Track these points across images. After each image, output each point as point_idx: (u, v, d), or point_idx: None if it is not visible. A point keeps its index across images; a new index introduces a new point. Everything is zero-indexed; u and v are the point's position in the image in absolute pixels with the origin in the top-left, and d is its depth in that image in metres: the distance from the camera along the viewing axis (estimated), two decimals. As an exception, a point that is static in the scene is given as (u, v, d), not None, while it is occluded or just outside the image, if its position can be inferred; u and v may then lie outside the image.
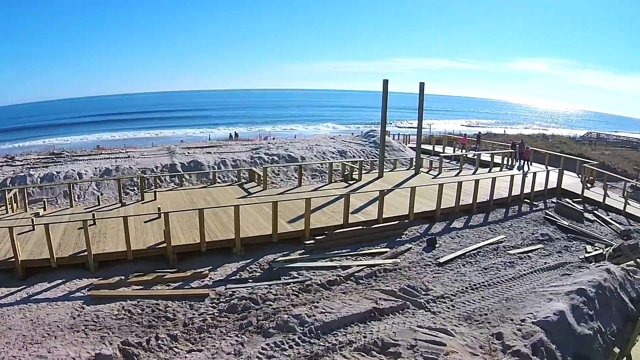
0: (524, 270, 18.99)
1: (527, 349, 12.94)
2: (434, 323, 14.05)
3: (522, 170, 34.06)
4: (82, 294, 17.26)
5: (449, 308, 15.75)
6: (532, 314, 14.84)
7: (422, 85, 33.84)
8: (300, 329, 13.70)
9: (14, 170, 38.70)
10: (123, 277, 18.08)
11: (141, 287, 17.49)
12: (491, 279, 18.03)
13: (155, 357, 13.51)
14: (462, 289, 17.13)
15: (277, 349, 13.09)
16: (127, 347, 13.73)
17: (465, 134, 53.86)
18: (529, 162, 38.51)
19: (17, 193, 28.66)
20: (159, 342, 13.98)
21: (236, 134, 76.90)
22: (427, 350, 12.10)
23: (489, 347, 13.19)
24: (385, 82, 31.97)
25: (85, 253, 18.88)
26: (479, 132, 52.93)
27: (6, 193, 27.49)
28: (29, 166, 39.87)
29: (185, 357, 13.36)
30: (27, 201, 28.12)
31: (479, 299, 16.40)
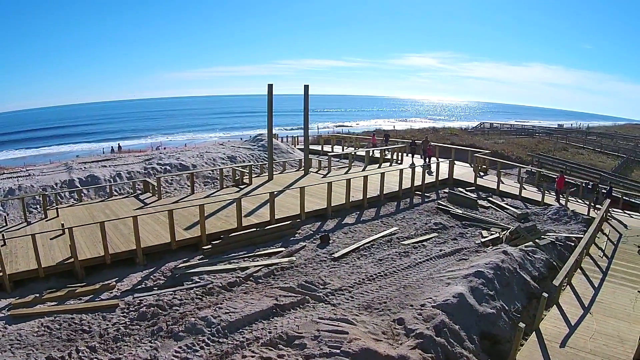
0: (420, 259, 19.75)
1: (430, 331, 13.55)
2: (335, 314, 14.58)
3: (426, 167, 34.93)
4: (3, 314, 17.12)
5: (347, 299, 16.41)
6: (431, 298, 15.55)
7: (306, 87, 34.40)
8: (208, 330, 14.11)
9: None
10: (38, 295, 18.03)
11: (55, 302, 17.57)
12: (387, 269, 18.74)
13: None
14: (359, 281, 17.81)
15: (189, 350, 13.43)
16: None
17: (374, 133, 54.71)
18: (429, 158, 39.09)
19: None
20: (80, 354, 14.15)
21: (119, 147, 75.89)
22: (330, 339, 12.56)
23: (391, 332, 13.80)
24: (270, 87, 32.63)
25: (0, 274, 18.60)
26: (387, 132, 54.09)
27: None
28: None
29: None
30: None
31: (377, 289, 17.12)
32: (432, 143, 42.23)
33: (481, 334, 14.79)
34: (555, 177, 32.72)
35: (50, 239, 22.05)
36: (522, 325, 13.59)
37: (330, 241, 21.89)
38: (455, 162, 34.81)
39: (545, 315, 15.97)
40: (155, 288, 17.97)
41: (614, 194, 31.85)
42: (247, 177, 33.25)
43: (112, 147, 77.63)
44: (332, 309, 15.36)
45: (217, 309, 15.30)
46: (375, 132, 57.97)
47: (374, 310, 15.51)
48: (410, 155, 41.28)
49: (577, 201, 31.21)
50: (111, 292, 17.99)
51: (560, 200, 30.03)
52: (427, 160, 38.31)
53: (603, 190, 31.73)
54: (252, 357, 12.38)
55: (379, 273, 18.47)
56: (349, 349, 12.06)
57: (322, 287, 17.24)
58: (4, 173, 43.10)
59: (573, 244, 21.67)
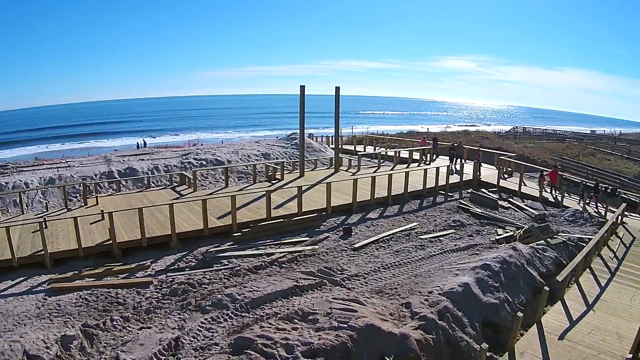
0: (434, 252, 20.65)
1: (434, 315, 14.58)
2: (348, 296, 15.64)
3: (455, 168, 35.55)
4: (43, 288, 18.74)
5: (362, 284, 17.51)
6: (438, 287, 16.52)
7: (337, 89, 35.38)
8: (233, 305, 15.48)
9: (-35, 183, 39.18)
10: (77, 272, 19.59)
11: (94, 279, 19.04)
12: (402, 260, 19.70)
13: (112, 335, 15.13)
14: (375, 269, 18.81)
15: (213, 322, 14.85)
16: (87, 329, 15.32)
17: (424, 137, 54.76)
18: (461, 161, 39.23)
19: None
20: (114, 322, 15.66)
21: (144, 143, 77.37)
22: (340, 316, 13.72)
23: (398, 314, 14.85)
24: (302, 87, 33.60)
25: (42, 252, 20.34)
26: (436, 136, 54.41)
27: None
28: (-25, 178, 40.31)
29: (137, 333, 14.94)
30: None
31: (390, 277, 18.13)
32: (465, 146, 42.71)
33: (483, 322, 15.69)
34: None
35: (90, 224, 23.62)
36: (520, 314, 14.31)
37: (353, 233, 22.89)
38: (482, 164, 35.53)
39: (549, 310, 16.72)
40: (187, 269, 19.31)
41: (633, 199, 32.47)
42: (280, 173, 34.20)
43: (137, 143, 79.37)
44: (347, 292, 16.45)
45: (242, 287, 16.61)
46: (425, 136, 58.09)
47: (385, 294, 16.57)
48: (449, 158, 41.15)
49: (572, 197, 32.06)
50: (146, 272, 19.38)
51: (552, 194, 31.43)
52: (458, 162, 38.65)
53: (603, 190, 32.40)
54: (269, 327, 13.54)
55: (394, 263, 19.44)
56: (355, 324, 13.19)
57: (339, 272, 18.36)
58: (43, 164, 44.98)
59: (584, 245, 22.07)
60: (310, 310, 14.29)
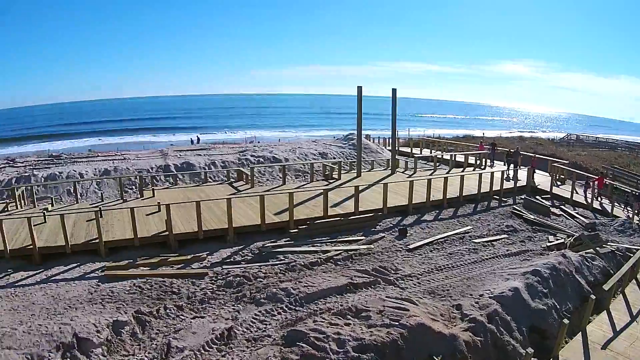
0: (486, 256, 20.78)
1: (483, 318, 14.76)
2: (401, 295, 15.95)
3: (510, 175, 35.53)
4: (97, 275, 19.51)
5: (415, 284, 17.77)
6: (489, 290, 16.68)
7: (394, 91, 35.73)
8: (287, 299, 15.90)
9: (17, 171, 40.43)
10: (131, 261, 20.22)
11: (148, 268, 19.66)
12: (455, 262, 19.89)
13: (165, 323, 15.64)
14: (428, 270, 19.01)
15: (267, 314, 15.32)
16: (140, 315, 15.86)
17: (481, 142, 54.44)
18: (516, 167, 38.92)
19: (24, 191, 30.78)
20: (167, 311, 16.20)
21: (198, 139, 78.13)
22: (392, 314, 14.03)
23: (448, 315, 15.08)
24: (360, 89, 33.88)
25: (97, 240, 21.12)
26: (494, 142, 54.00)
27: (15, 191, 29.49)
28: (31, 167, 41.56)
29: (191, 322, 15.43)
30: (35, 198, 30.37)
31: (443, 278, 18.33)
32: (521, 153, 42.03)
33: (530, 327, 15.83)
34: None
35: (146, 215, 24.41)
36: (566, 321, 14.56)
37: (408, 234, 23.13)
38: (536, 170, 35.48)
39: (594, 319, 16.75)
40: (243, 262, 19.78)
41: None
42: (337, 172, 34.50)
43: (191, 138, 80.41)
44: (400, 291, 16.72)
45: (297, 282, 17.05)
46: (483, 141, 57.85)
47: (437, 295, 16.85)
48: (505, 164, 40.51)
49: (619, 206, 31.38)
50: (201, 263, 19.94)
51: (595, 200, 31.07)
52: (512, 168, 38.25)
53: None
54: (322, 322, 13.86)
55: (447, 265, 19.58)
56: (407, 322, 13.47)
57: (393, 272, 18.63)
58: (98, 156, 46.29)
59: (632, 255, 21.96)
60: (364, 307, 14.64)
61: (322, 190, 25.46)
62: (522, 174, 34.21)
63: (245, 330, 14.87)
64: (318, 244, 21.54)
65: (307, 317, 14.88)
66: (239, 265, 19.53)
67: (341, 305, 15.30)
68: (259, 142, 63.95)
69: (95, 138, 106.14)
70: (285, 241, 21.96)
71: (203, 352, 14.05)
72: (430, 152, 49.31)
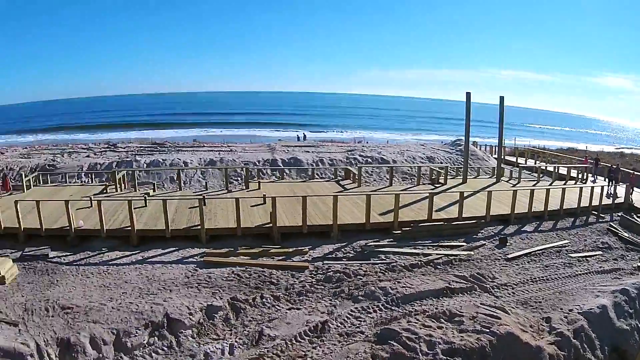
0: (580, 272, 20.78)
1: (569, 333, 15.27)
2: (495, 303, 16.48)
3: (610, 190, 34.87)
4: (195, 260, 20.66)
5: (509, 294, 18.08)
6: (579, 306, 16.97)
7: (501, 98, 35.55)
8: (384, 298, 16.60)
9: (118, 156, 42.74)
10: (232, 249, 21.17)
11: (249, 257, 20.51)
12: (550, 275, 20.03)
13: (260, 312, 16.64)
14: (524, 281, 19.22)
15: (363, 312, 16.04)
16: (235, 302, 16.92)
17: (586, 156, 53.31)
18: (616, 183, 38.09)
19: (125, 175, 32.56)
20: (264, 300, 17.17)
21: (304, 136, 78.26)
22: (484, 321, 14.67)
23: (537, 327, 15.60)
24: (468, 95, 34.16)
25: (198, 227, 22.25)
26: (598, 157, 52.62)
27: (116, 174, 31.39)
28: (133, 153, 43.78)
29: (286, 312, 16.40)
30: (136, 183, 31.93)
31: (537, 290, 18.57)
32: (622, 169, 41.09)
33: (612, 346, 16.14)
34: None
35: (251, 206, 25.37)
36: None
37: (508, 244, 23.17)
38: (634, 188, 34.75)
39: None
40: (344, 259, 20.41)
41: None
42: (443, 177, 34.73)
43: (297, 135, 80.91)
44: (494, 300, 17.16)
45: (395, 282, 17.68)
46: (587, 155, 56.57)
47: (529, 306, 17.14)
48: (606, 180, 38.70)
49: None
50: (303, 257, 20.62)
51: None
52: (615, 185, 37.41)
53: None
54: (416, 323, 14.62)
55: (542, 277, 19.74)
56: (497, 330, 14.12)
57: (490, 280, 18.94)
58: (203, 146, 48.10)
59: None
60: (457, 312, 15.26)
61: (427, 194, 25.75)
62: (621, 190, 33.56)
63: (339, 325, 15.47)
64: (420, 247, 21.88)
65: (401, 317, 15.49)
66: (340, 262, 20.14)
67: (436, 309, 15.84)
68: (367, 142, 64.50)
69: (199, 129, 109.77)
70: (388, 241, 22.39)
71: (294, 342, 14.72)
72: (535, 163, 48.74)
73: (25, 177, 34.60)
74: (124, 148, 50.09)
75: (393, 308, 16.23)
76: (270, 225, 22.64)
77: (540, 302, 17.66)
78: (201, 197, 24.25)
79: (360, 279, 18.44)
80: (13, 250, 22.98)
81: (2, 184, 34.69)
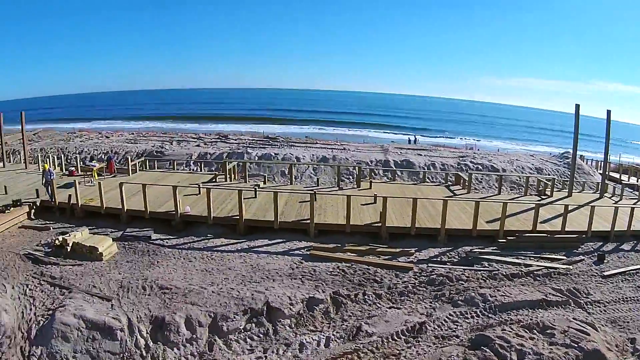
0: None
1: None
2: (586, 319, 16.87)
3: None
4: (301, 253, 21.86)
5: (601, 311, 18.27)
6: None
7: (608, 112, 34.87)
8: (482, 305, 17.36)
9: (229, 147, 44.67)
10: (339, 245, 22.24)
11: (355, 254, 21.58)
12: None
13: (360, 308, 17.63)
14: (616, 299, 19.29)
15: (461, 316, 16.90)
16: (337, 297, 17.98)
17: None
18: None
19: (236, 166, 34.14)
20: (365, 297, 18.16)
21: (415, 139, 78.98)
22: (574, 336, 15.18)
23: (622, 347, 15.96)
24: (577, 107, 33.79)
25: (308, 221, 23.49)
26: None
27: (226, 165, 32.96)
28: (245, 145, 45.46)
29: (386, 311, 17.33)
30: (247, 174, 33.50)
31: (627, 310, 18.58)
32: None
33: None
34: None
35: (361, 205, 26.30)
36: None
37: (605, 261, 23.20)
38: None
39: None
40: (449, 263, 21.17)
41: None
42: (549, 189, 34.55)
43: (409, 138, 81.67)
44: (586, 316, 17.47)
45: (495, 290, 18.33)
46: None
47: (617, 325, 17.42)
48: None
49: None
50: (408, 258, 21.50)
51: None
52: None
53: None
54: (510, 332, 15.39)
55: (633, 297, 19.71)
56: (585, 346, 14.61)
57: (584, 296, 19.21)
58: (316, 143, 49.41)
59: None
60: (550, 325, 15.81)
61: (534, 205, 25.83)
62: None
63: (436, 327, 16.32)
64: (522, 257, 22.20)
65: (496, 324, 16.22)
66: (444, 266, 20.90)
67: (530, 319, 16.45)
68: (478, 149, 65.16)
69: (311, 126, 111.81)
70: (492, 249, 22.91)
71: (391, 340, 15.65)
72: (637, 181, 47.61)
73: (131, 161, 36.91)
74: (235, 140, 52.26)
75: (490, 315, 16.87)
76: (380, 224, 23.59)
77: (628, 322, 17.77)
78: (312, 192, 25.27)
79: (462, 284, 19.12)
80: (114, 230, 25.04)
81: (106, 166, 36.73)
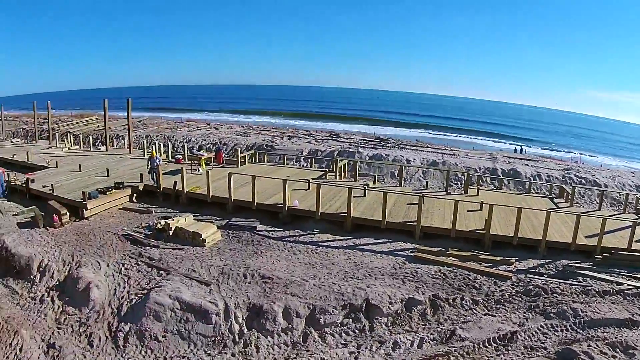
0: None
1: None
2: (670, 340, 16.65)
3: None
4: (405, 254, 22.34)
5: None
6: None
7: None
8: (573, 319, 17.25)
9: (340, 145, 45.30)
10: (443, 249, 22.64)
11: (457, 259, 21.88)
12: None
13: (456, 312, 17.95)
14: None
15: (551, 328, 16.87)
16: (435, 299, 18.41)
17: None
18: None
19: (347, 164, 34.98)
20: (463, 302, 18.47)
21: (521, 149, 77.83)
22: (654, 358, 15.06)
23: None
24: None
25: (414, 223, 23.93)
26: None
27: (337, 162, 33.65)
28: (356, 145, 46.00)
29: (481, 317, 17.57)
30: (357, 173, 34.19)
31: None
32: None
33: None
34: None
35: (467, 211, 26.43)
36: None
37: None
38: None
39: None
40: (546, 276, 20.99)
41: None
42: None
43: (515, 147, 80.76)
44: None
45: (586, 306, 18.05)
46: None
47: None
48: None
49: None
50: (508, 267, 21.53)
51: None
52: None
53: None
54: (594, 348, 15.31)
55: None
56: None
57: None
58: (427, 147, 49.67)
59: None
60: (632, 345, 15.51)
61: (631, 223, 25.14)
62: None
63: (526, 337, 16.36)
64: (615, 275, 21.72)
65: (583, 340, 16.09)
66: (541, 277, 20.77)
67: (615, 338, 16.15)
68: (582, 163, 63.90)
69: (421, 130, 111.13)
70: (588, 265, 22.49)
71: (482, 347, 15.92)
72: None
73: (240, 153, 37.88)
74: (347, 139, 53.11)
75: (578, 330, 16.74)
76: (484, 231, 23.75)
77: None
78: (420, 195, 25.37)
79: (556, 297, 19.00)
80: (218, 218, 26.21)
81: (215, 157, 37.76)
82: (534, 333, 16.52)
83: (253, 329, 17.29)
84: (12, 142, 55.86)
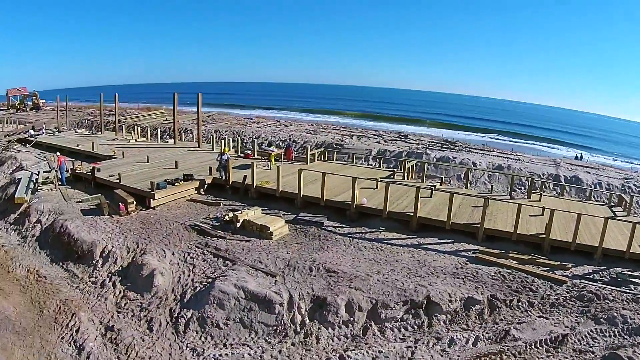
0: None
1: None
2: None
3: None
4: (467, 255, 22.80)
5: None
6: None
7: None
8: (622, 326, 17.46)
9: (409, 147, 45.89)
10: (503, 251, 23.01)
11: (517, 262, 22.26)
12: None
13: (512, 313, 18.39)
14: None
15: (600, 333, 17.16)
16: (493, 300, 18.86)
17: None
18: None
19: (415, 165, 35.64)
20: (519, 303, 18.84)
21: (581, 156, 77.63)
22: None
23: None
24: None
25: (478, 225, 24.48)
26: None
27: (405, 163, 34.38)
28: (424, 146, 46.54)
29: (535, 319, 17.96)
30: (425, 174, 34.83)
31: None
32: None
33: None
34: None
35: (529, 215, 26.54)
36: None
37: None
38: None
39: None
40: (599, 282, 21.13)
41: None
42: None
43: (576, 154, 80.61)
44: None
45: (635, 313, 18.01)
46: None
47: None
48: None
49: None
50: (564, 272, 21.75)
51: None
52: None
53: None
54: (639, 354, 15.63)
55: None
56: None
57: None
58: (493, 151, 49.85)
59: None
60: None
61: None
62: None
63: (576, 341, 16.74)
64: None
65: (629, 346, 16.42)
66: (595, 283, 20.94)
67: None
68: None
69: (488, 135, 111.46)
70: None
71: (533, 348, 16.36)
72: None
73: (310, 150, 39.03)
74: (415, 140, 53.54)
75: (625, 336, 16.99)
76: (544, 236, 24.01)
77: None
78: (485, 197, 25.93)
79: (608, 303, 19.16)
80: (286, 213, 26.98)
81: (284, 153, 38.58)
82: (584, 337, 16.88)
83: (315, 320, 17.95)
84: (76, 132, 58.30)
